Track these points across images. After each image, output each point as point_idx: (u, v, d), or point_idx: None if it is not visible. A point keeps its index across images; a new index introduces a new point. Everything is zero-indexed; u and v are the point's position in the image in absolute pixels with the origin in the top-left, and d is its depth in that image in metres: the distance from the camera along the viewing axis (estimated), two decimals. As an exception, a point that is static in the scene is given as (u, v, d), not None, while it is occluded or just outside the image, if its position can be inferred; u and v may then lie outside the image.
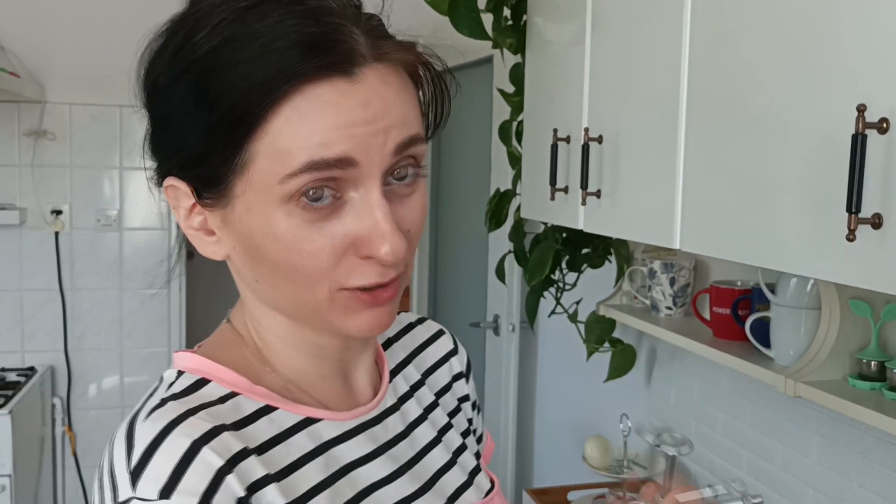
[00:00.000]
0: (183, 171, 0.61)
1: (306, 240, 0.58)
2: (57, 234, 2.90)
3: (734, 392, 1.70)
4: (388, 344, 0.78)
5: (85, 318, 2.96)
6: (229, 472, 0.57)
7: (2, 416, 2.42)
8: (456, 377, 0.83)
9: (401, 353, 0.79)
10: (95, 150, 2.93)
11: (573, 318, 1.97)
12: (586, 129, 1.45)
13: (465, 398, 0.83)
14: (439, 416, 0.77)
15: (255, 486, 0.58)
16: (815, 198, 0.92)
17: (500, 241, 2.34)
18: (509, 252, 2.04)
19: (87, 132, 2.92)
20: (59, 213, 2.91)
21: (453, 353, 0.84)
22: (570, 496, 1.92)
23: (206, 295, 2.90)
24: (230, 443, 0.58)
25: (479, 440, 0.85)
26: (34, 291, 2.92)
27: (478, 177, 2.79)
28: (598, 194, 1.44)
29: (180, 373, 0.64)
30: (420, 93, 0.64)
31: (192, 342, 0.80)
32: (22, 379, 2.73)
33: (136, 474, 0.56)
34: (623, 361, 1.93)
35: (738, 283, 1.56)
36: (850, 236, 0.84)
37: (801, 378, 1.26)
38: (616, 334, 1.93)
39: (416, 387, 0.77)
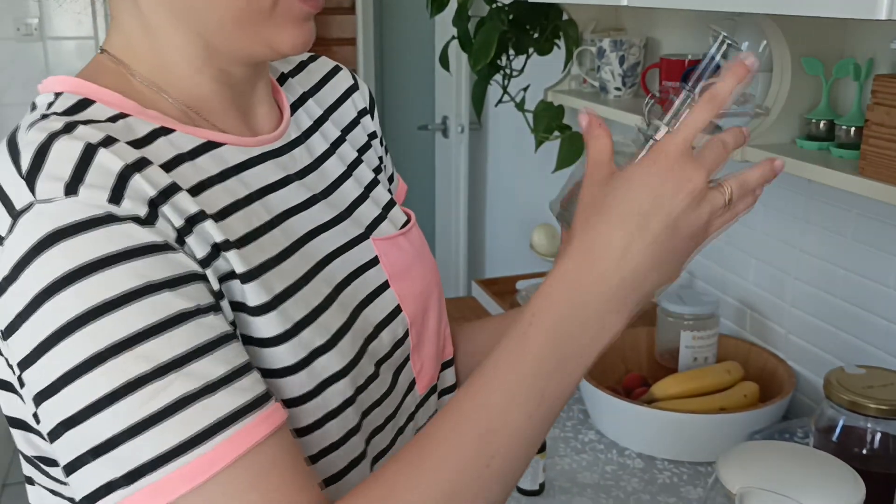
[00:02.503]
0: None
1: None
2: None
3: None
4: (283, 79, 0.74)
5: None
6: (134, 174, 0.52)
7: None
8: (361, 113, 0.79)
9: (298, 88, 0.75)
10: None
11: (520, 106, 1.91)
12: None
13: (373, 135, 0.80)
14: (347, 151, 0.74)
15: (166, 193, 0.53)
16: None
17: (444, 32, 2.23)
18: (453, 38, 1.94)
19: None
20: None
21: (354, 88, 0.80)
22: (519, 285, 1.93)
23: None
24: (127, 152, 0.53)
25: (390, 180, 0.83)
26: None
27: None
28: (542, -44, 1.34)
29: (58, 95, 0.58)
30: None
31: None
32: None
33: (31, 178, 0.50)
34: (571, 149, 1.89)
35: (689, 56, 1.49)
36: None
37: (749, 142, 1.23)
38: (565, 121, 1.88)
39: (319, 122, 0.74)
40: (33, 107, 0.58)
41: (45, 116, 0.55)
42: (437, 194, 2.82)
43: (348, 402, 0.61)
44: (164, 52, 0.61)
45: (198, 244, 0.54)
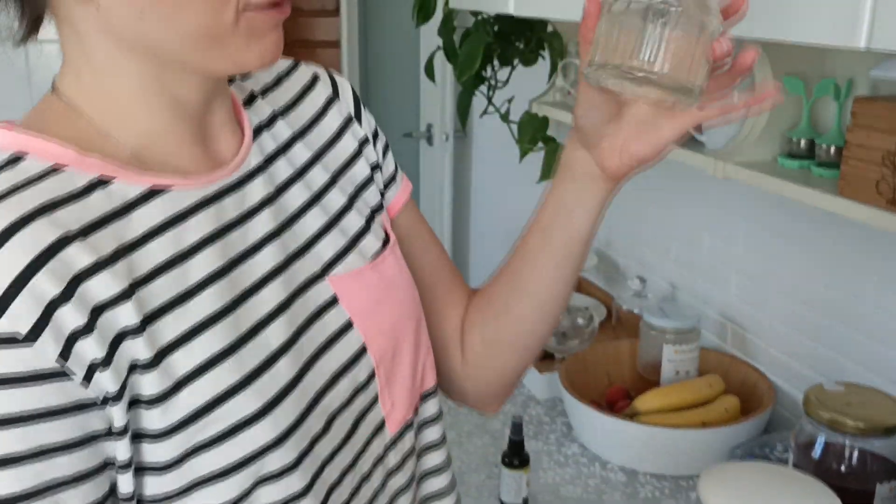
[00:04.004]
0: None
1: None
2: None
3: (667, 182, 1.69)
4: (251, 99, 0.69)
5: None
6: (37, 271, 0.49)
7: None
8: (346, 123, 0.74)
9: (267, 108, 0.69)
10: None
11: (505, 117, 1.92)
12: None
13: (365, 140, 0.75)
14: (317, 176, 0.69)
15: (81, 276, 0.51)
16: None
17: (430, 41, 2.24)
18: (438, 48, 1.94)
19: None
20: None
21: (332, 99, 0.74)
22: (503, 295, 1.94)
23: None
24: (41, 233, 0.50)
25: (390, 182, 0.77)
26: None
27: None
28: (528, -27, 1.34)
29: None
30: None
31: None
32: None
33: None
34: (556, 160, 1.90)
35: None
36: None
37: (730, 159, 1.24)
38: (550, 133, 1.89)
39: (287, 145, 0.68)
40: None
41: None
42: (421, 202, 2.82)
43: (288, 469, 0.58)
44: (113, 86, 0.58)
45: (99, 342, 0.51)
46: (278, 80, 0.72)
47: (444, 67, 2.39)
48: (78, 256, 0.51)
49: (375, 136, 0.76)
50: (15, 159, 0.54)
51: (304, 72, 0.74)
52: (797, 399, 1.38)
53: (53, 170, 0.54)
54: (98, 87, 0.58)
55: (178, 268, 0.56)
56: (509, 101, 1.92)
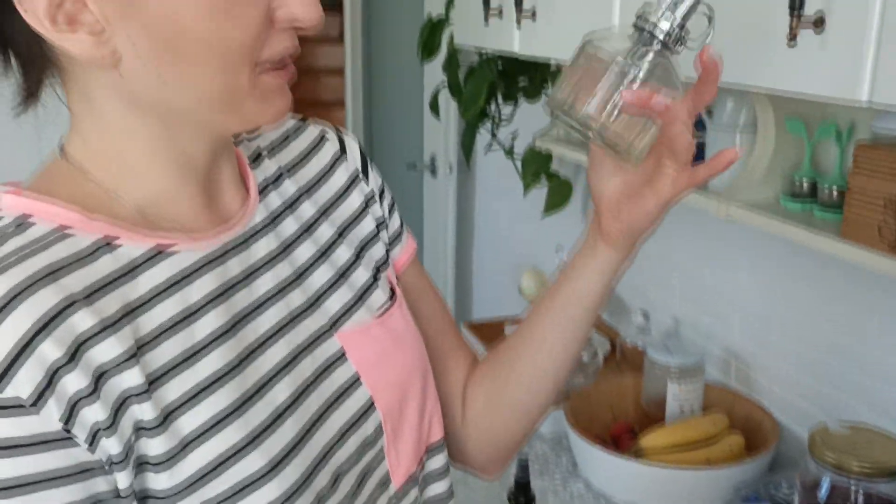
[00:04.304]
0: None
1: (240, 8, 0.53)
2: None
3: (669, 217, 1.70)
4: (257, 158, 0.70)
5: None
6: (41, 337, 0.49)
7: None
8: (353, 181, 0.75)
9: (273, 166, 0.70)
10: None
11: (509, 153, 1.94)
12: (521, -56, 1.36)
13: (371, 197, 0.76)
14: (324, 233, 0.70)
15: (85, 340, 0.51)
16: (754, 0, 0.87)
17: (434, 75, 2.26)
18: (443, 85, 1.97)
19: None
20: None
21: (340, 158, 0.75)
22: (507, 328, 1.94)
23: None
24: (45, 298, 0.50)
25: (395, 238, 0.78)
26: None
27: (410, 6, 2.65)
28: (533, 15, 1.37)
29: None
30: None
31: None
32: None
33: None
34: (559, 195, 1.92)
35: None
36: (791, 40, 0.81)
37: (733, 198, 1.26)
38: (553, 168, 1.91)
39: (294, 203, 0.69)
40: None
41: None
42: (424, 234, 2.83)
43: None
44: (123, 147, 0.58)
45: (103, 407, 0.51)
46: (286, 138, 0.73)
47: (447, 100, 2.42)
48: (82, 320, 0.51)
49: (382, 192, 0.78)
50: (21, 223, 0.55)
51: (312, 130, 0.75)
52: (802, 436, 1.38)
53: (59, 232, 0.55)
54: (107, 148, 0.59)
55: (183, 328, 0.57)
56: (513, 137, 1.94)
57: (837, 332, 1.33)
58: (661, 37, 0.61)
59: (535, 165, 1.90)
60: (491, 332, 1.98)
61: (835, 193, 1.17)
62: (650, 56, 0.61)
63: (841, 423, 1.12)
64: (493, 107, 1.90)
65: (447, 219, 2.69)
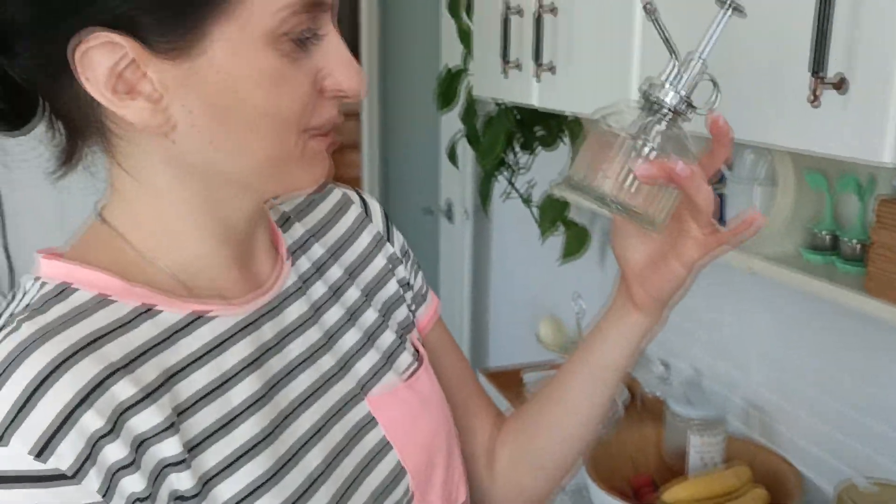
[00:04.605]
0: (130, 16, 0.51)
1: (292, 78, 0.55)
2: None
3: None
4: (286, 222, 0.71)
5: (23, 211, 2.85)
6: (83, 407, 0.50)
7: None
8: (377, 243, 0.76)
9: (300, 229, 0.71)
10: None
11: (527, 200, 1.95)
12: (539, 0, 1.38)
13: (395, 259, 0.77)
14: (351, 295, 0.71)
15: (125, 410, 0.52)
16: (776, 60, 0.88)
17: (452, 122, 2.28)
18: (461, 134, 1.98)
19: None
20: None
21: (364, 220, 0.76)
22: (525, 376, 1.94)
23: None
24: (88, 368, 0.51)
25: (419, 299, 0.79)
26: (-35, 187, 2.79)
27: (426, 54, 2.69)
28: (552, 69, 1.38)
29: (40, 281, 0.57)
30: None
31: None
32: (-39, 277, 2.64)
33: None
34: (576, 243, 1.92)
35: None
36: (814, 100, 0.81)
37: (753, 250, 1.25)
38: (570, 216, 1.92)
39: (322, 266, 0.70)
40: (19, 287, 0.58)
41: (15, 321, 0.53)
42: (440, 279, 2.83)
43: None
44: (165, 212, 0.59)
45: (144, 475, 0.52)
46: (311, 202, 0.74)
47: (464, 146, 2.44)
48: (122, 389, 0.52)
49: (405, 254, 0.79)
50: (63, 290, 0.56)
51: (336, 193, 0.77)
52: (826, 490, 1.36)
53: (100, 300, 0.56)
54: (149, 213, 0.60)
55: (220, 395, 0.57)
56: (531, 185, 1.95)
57: (861, 384, 1.31)
58: (668, 107, 0.62)
59: (553, 213, 1.91)
60: (508, 380, 1.97)
61: (857, 247, 1.16)
62: (660, 127, 0.62)
63: (868, 480, 1.11)
64: (510, 155, 1.91)
65: (463, 264, 2.69)
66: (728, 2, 0.62)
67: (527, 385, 1.88)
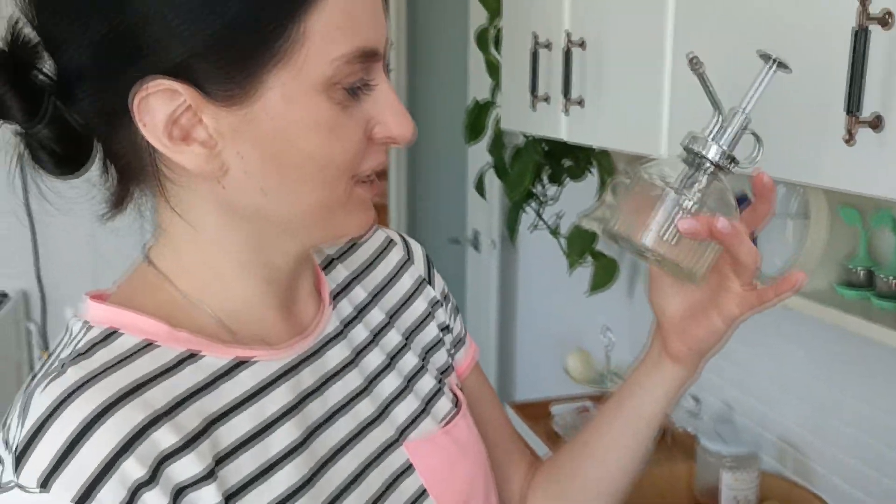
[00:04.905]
0: (189, 64, 0.52)
1: (344, 126, 0.56)
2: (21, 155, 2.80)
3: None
4: (329, 264, 0.71)
5: (55, 240, 2.89)
6: (125, 455, 0.50)
7: (-25, 342, 2.38)
8: (418, 286, 0.76)
9: (344, 272, 0.72)
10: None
11: (555, 232, 1.94)
12: (568, 34, 1.38)
13: (435, 302, 0.77)
14: (392, 339, 0.71)
15: (167, 458, 0.52)
16: (811, 99, 0.87)
17: (479, 153, 2.29)
18: (489, 165, 1.99)
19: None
20: (22, 133, 2.80)
21: (406, 262, 0.76)
22: (553, 409, 1.92)
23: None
24: (131, 415, 0.52)
25: (458, 343, 0.78)
26: (1, 215, 2.84)
27: (455, 86, 2.70)
28: (580, 103, 1.38)
29: (87, 325, 0.57)
30: None
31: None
32: (-6, 305, 2.68)
33: (21, 454, 0.50)
34: (605, 275, 1.91)
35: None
36: (849, 139, 0.80)
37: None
38: (598, 247, 1.91)
39: (363, 308, 0.70)
40: (67, 331, 0.59)
41: (62, 366, 0.54)
42: (468, 309, 2.83)
43: None
44: (213, 256, 0.60)
45: None
46: (354, 244, 0.74)
47: (491, 178, 2.44)
48: (164, 437, 0.52)
49: (446, 298, 0.78)
50: (109, 335, 0.56)
51: (379, 235, 0.77)
52: (864, 531, 1.33)
53: (145, 345, 0.56)
54: (197, 257, 0.60)
55: (259, 442, 0.57)
56: (559, 216, 1.95)
57: (899, 424, 1.29)
58: (711, 162, 0.61)
59: (581, 244, 1.90)
60: (536, 413, 1.96)
61: (893, 283, 1.14)
62: (703, 182, 0.61)
63: (908, 523, 1.08)
64: (538, 187, 1.91)
65: (490, 294, 2.68)
66: (773, 58, 0.62)
67: (555, 418, 1.86)
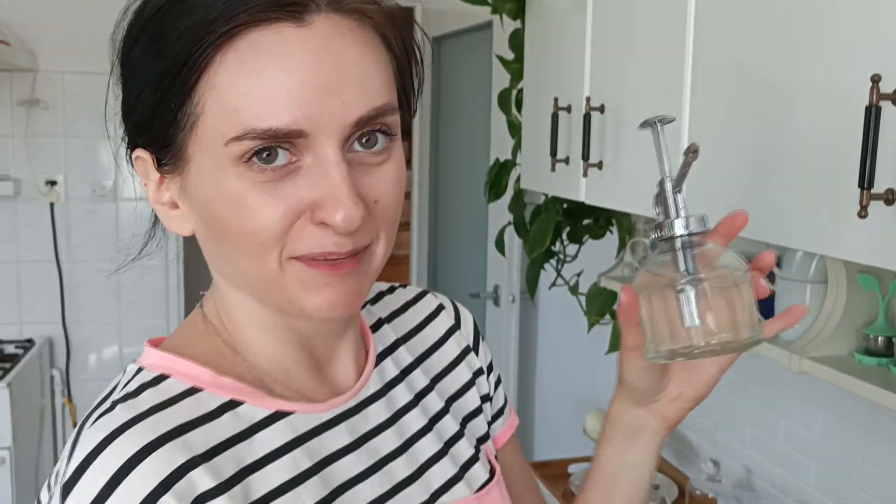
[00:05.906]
0: (142, 136, 0.58)
1: (259, 203, 0.54)
2: (52, 204, 2.86)
3: (737, 366, 1.67)
4: (378, 324, 0.72)
5: (82, 289, 2.94)
6: (165, 493, 0.52)
7: (0, 388, 2.41)
8: (464, 352, 0.76)
9: (391, 334, 0.73)
10: (90, 119, 2.86)
11: (574, 290, 1.95)
12: (588, 99, 1.41)
13: (479, 371, 0.77)
14: (433, 403, 0.71)
15: (202, 499, 0.54)
16: (825, 172, 0.88)
17: (500, 211, 2.31)
18: (509, 223, 2.01)
19: (81, 101, 2.86)
20: (53, 183, 2.86)
21: (454, 329, 0.77)
22: (571, 469, 1.91)
23: (206, 264, 2.86)
24: (172, 455, 0.54)
25: (498, 414, 0.79)
26: (31, 263, 2.89)
27: (477, 145, 2.74)
28: (599, 165, 1.40)
29: (140, 369, 0.61)
30: (392, 55, 0.58)
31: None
32: (20, 351, 2.71)
33: (68, 487, 0.53)
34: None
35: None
36: (863, 213, 0.81)
37: (806, 353, 1.23)
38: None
39: (407, 371, 0.71)
40: (123, 372, 0.62)
41: (113, 405, 0.57)
42: (486, 363, 2.82)
43: None
44: (237, 313, 0.63)
45: None
46: (405, 307, 0.76)
47: (511, 235, 2.46)
48: (202, 480, 0.54)
49: (490, 368, 0.79)
50: (158, 379, 0.59)
51: (431, 301, 0.78)
52: None
53: (190, 391, 0.59)
54: (227, 311, 0.63)
55: (291, 493, 0.59)
56: (578, 274, 1.96)
57: (921, 494, 1.27)
58: (686, 234, 0.62)
59: (600, 303, 1.91)
60: (554, 472, 1.94)
61: (912, 351, 1.14)
62: (694, 252, 0.61)
63: None
64: (557, 245, 1.93)
65: (509, 348, 2.68)
66: (653, 121, 0.65)
67: (572, 478, 1.85)
